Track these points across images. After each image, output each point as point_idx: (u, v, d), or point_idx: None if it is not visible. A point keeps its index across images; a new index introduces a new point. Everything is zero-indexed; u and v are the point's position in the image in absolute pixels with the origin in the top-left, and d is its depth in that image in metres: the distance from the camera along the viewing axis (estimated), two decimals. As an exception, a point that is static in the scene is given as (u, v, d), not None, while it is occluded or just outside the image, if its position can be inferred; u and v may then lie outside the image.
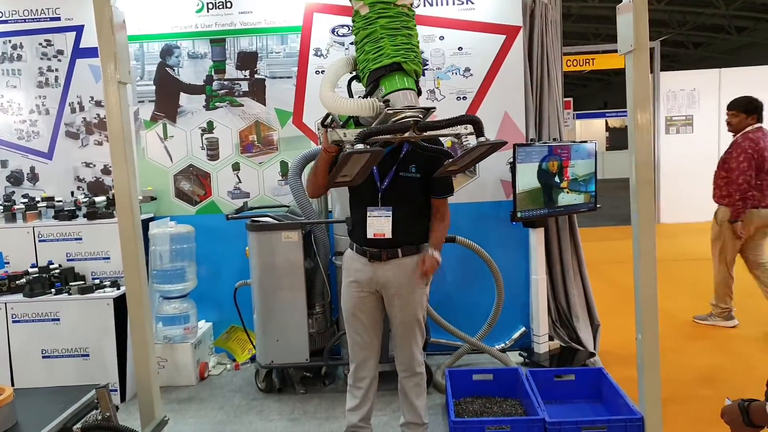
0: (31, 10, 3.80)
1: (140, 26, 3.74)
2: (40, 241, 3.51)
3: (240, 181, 3.87)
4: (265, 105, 3.82)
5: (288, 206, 3.74)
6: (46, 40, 3.82)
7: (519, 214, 3.37)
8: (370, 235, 2.30)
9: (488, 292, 3.59)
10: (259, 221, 3.36)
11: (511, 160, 3.34)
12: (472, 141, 1.92)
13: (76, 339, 3.28)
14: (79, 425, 1.92)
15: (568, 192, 3.61)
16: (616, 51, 2.31)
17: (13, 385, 3.20)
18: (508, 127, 3.70)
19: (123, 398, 3.32)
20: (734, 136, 4.25)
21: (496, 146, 1.93)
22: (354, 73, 2.24)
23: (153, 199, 3.83)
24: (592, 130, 20.42)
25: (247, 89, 3.82)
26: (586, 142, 3.79)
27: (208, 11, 3.76)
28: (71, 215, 3.57)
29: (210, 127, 3.85)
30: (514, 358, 3.64)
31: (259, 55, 3.78)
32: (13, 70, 3.86)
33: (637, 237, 2.28)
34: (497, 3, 3.67)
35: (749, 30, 15.66)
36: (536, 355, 3.61)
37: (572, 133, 14.94)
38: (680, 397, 3.16)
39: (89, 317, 3.27)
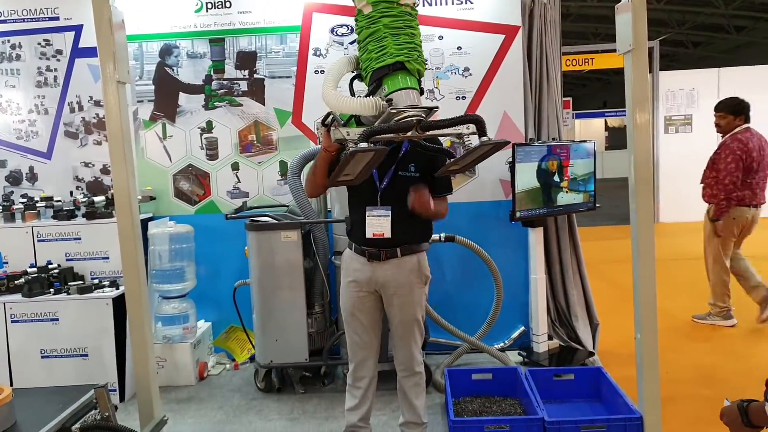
0: (30, 10, 3.79)
1: (139, 26, 3.74)
2: (38, 241, 3.51)
3: (239, 181, 3.87)
4: (264, 105, 3.81)
5: (287, 206, 3.74)
6: (45, 40, 3.82)
7: (518, 214, 3.37)
8: (369, 234, 2.29)
9: (487, 292, 3.59)
10: (258, 221, 3.36)
11: (510, 159, 3.34)
12: (474, 141, 1.92)
13: (75, 339, 3.28)
14: (78, 425, 1.92)
15: (567, 191, 3.61)
16: (615, 50, 2.31)
17: (11, 385, 3.21)
18: (507, 126, 3.70)
19: (122, 398, 3.32)
20: (722, 137, 4.30)
21: (498, 146, 1.93)
22: (356, 72, 2.24)
23: (152, 198, 3.83)
24: (591, 129, 20.43)
25: (246, 89, 3.81)
26: (585, 141, 3.79)
27: (207, 11, 3.76)
28: (70, 215, 3.56)
29: (209, 127, 3.85)
30: (514, 357, 3.64)
31: (259, 54, 3.78)
32: (11, 69, 3.86)
33: (636, 236, 2.28)
34: (496, 3, 3.67)
35: (748, 29, 15.67)
36: (535, 354, 3.61)
37: (571, 132, 14.94)
38: (679, 396, 3.15)
39: (88, 317, 3.26)
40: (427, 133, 1.93)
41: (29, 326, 3.27)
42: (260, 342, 3.37)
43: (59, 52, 3.82)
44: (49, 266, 3.41)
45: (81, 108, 3.86)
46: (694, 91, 8.96)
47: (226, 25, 3.76)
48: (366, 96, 2.06)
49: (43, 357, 3.30)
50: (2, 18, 3.81)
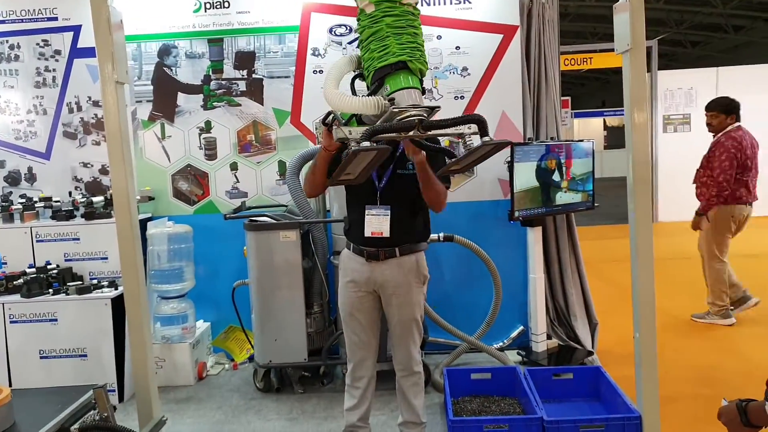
0: (29, 10, 3.79)
1: (138, 26, 3.73)
2: (37, 241, 3.50)
3: (238, 181, 3.87)
4: (262, 105, 3.81)
5: (286, 206, 3.74)
6: (43, 40, 3.81)
7: (517, 213, 3.37)
8: (367, 233, 2.29)
9: (486, 291, 3.59)
10: (257, 221, 3.36)
11: (509, 159, 3.34)
12: (475, 141, 1.92)
13: (74, 339, 3.28)
14: (76, 426, 1.92)
15: (566, 191, 3.61)
16: (613, 50, 2.32)
17: (10, 385, 3.21)
18: (506, 126, 3.71)
19: (121, 398, 3.32)
20: (715, 136, 4.31)
21: (499, 146, 1.93)
22: (357, 72, 2.24)
23: (151, 199, 3.83)
24: (590, 128, 20.41)
25: (245, 89, 3.81)
26: (582, 140, 3.80)
27: (205, 11, 3.75)
28: (69, 215, 3.56)
29: (208, 127, 3.85)
30: (513, 356, 3.64)
31: (257, 54, 3.78)
32: (10, 70, 3.85)
33: (634, 236, 2.29)
34: (495, 2, 3.67)
35: (747, 29, 15.68)
36: (534, 353, 3.61)
37: (570, 131, 14.93)
38: (678, 395, 3.16)
39: (87, 317, 3.26)
40: (429, 132, 1.93)
41: (28, 327, 3.27)
42: (259, 342, 3.36)
43: (58, 52, 3.82)
44: (48, 267, 3.41)
45: (80, 108, 3.85)
46: (693, 91, 8.97)
47: (225, 25, 3.76)
48: (368, 95, 2.06)
49: (41, 357, 3.30)
50: (1, 18, 3.80)
